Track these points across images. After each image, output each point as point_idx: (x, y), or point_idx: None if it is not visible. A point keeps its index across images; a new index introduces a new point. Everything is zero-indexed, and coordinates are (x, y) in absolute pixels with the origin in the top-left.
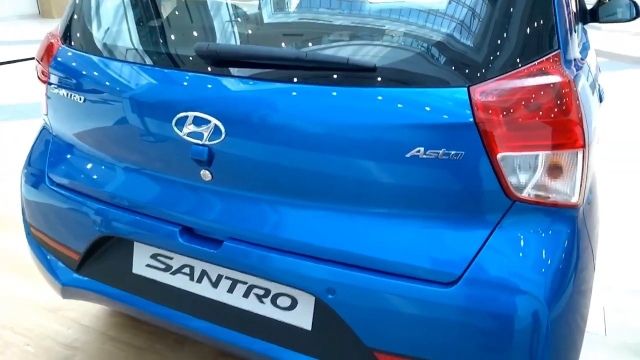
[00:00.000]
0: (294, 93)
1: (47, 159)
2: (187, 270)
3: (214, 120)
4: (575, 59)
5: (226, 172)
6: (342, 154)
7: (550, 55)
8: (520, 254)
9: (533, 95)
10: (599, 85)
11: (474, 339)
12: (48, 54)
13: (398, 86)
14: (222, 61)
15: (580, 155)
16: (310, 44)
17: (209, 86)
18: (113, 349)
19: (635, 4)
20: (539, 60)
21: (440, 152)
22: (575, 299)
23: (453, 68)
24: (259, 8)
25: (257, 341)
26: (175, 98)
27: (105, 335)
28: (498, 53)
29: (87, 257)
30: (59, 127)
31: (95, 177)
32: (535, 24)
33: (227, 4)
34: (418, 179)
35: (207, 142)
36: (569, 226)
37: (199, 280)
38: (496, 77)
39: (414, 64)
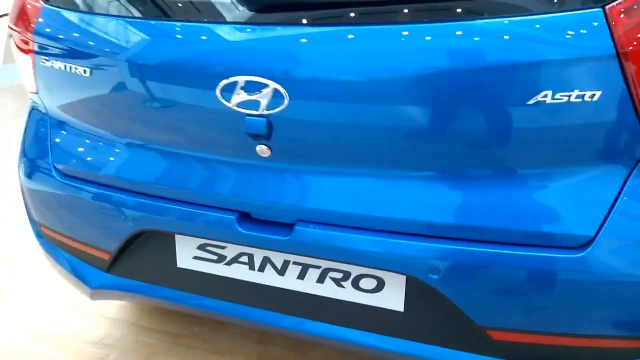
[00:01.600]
0: (373, 37)
1: (49, 147)
2: (244, 259)
3: (272, 84)
4: None
5: (290, 145)
6: (442, 107)
7: None
8: None
9: None
10: None
11: (611, 306)
12: (26, 17)
13: (509, 14)
14: (277, 6)
15: None
16: None
17: (262, 41)
18: (150, 340)
19: None
20: None
21: (573, 94)
22: None
23: None
24: None
25: (338, 328)
26: (217, 59)
27: (137, 326)
28: None
29: (120, 255)
30: (58, 107)
31: (118, 163)
32: None
33: None
34: (542, 130)
35: (264, 112)
36: None
37: (261, 269)
38: None
39: None
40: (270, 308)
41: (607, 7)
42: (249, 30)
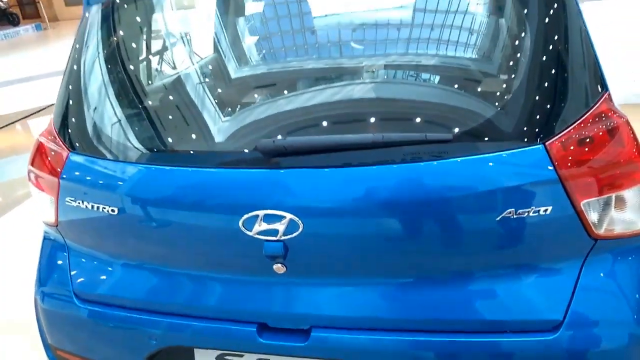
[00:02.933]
0: (370, 176)
1: (69, 275)
2: None
3: (288, 215)
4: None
5: (303, 262)
6: (429, 230)
7: (602, 98)
8: (613, 287)
9: (602, 141)
10: None
11: None
12: (50, 162)
13: (475, 153)
14: (290, 155)
15: None
16: (377, 122)
17: (279, 181)
18: None
19: None
20: (596, 106)
21: (530, 210)
22: None
23: (525, 127)
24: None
25: None
26: (239, 200)
27: None
28: (563, 105)
29: None
30: (80, 239)
31: (143, 288)
32: (587, 69)
33: (278, 89)
34: (510, 237)
35: (282, 237)
36: None
37: None
38: (566, 129)
39: (487, 128)
40: None
41: (546, 143)
42: (266, 173)
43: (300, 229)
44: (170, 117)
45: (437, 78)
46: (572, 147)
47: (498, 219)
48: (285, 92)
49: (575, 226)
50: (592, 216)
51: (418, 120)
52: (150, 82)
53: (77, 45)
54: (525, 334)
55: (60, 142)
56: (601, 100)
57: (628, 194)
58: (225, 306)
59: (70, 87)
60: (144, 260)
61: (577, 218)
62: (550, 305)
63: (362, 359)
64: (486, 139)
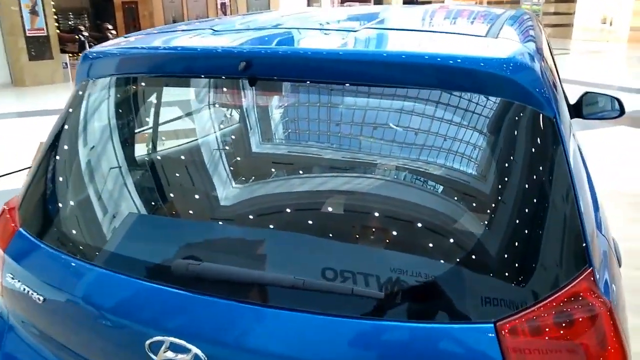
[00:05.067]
0: (292, 322)
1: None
2: None
3: (194, 349)
4: (607, 267)
5: None
6: None
7: (582, 275)
8: None
9: (572, 331)
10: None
11: None
12: (1, 230)
13: (409, 319)
14: (205, 282)
15: None
16: (310, 262)
17: (188, 308)
18: None
19: (618, 100)
20: (571, 284)
21: None
22: None
23: (475, 298)
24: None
25: None
26: (147, 317)
27: None
28: (526, 278)
29: None
30: (15, 316)
31: None
32: (566, 235)
33: (211, 205)
34: None
35: None
36: None
37: None
38: (526, 308)
39: (429, 293)
40: None
41: (498, 323)
42: (180, 294)
43: None
44: (99, 213)
45: (384, 234)
46: (529, 334)
47: None
48: (221, 213)
49: None
50: None
51: (352, 272)
52: (91, 178)
53: (62, 118)
54: None
55: (16, 216)
56: (580, 279)
57: None
58: None
59: (42, 159)
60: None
61: None
62: None
63: None
64: (427, 304)
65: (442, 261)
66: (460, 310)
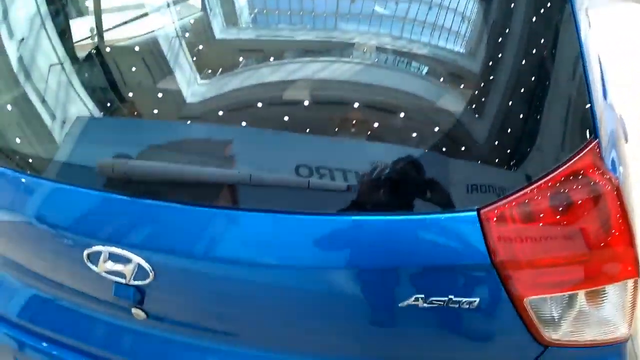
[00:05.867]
0: (254, 222)
1: None
2: None
3: (136, 259)
4: (612, 134)
5: (163, 313)
6: (309, 299)
7: (586, 149)
8: None
9: (572, 215)
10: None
11: None
12: None
13: (381, 212)
14: (136, 183)
15: (631, 285)
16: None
17: (125, 214)
18: None
19: None
20: (572, 160)
21: (446, 300)
22: None
23: (455, 182)
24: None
25: None
26: (81, 227)
27: None
28: (518, 155)
29: None
30: None
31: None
32: (564, 107)
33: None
34: (418, 332)
35: (131, 282)
36: None
37: None
38: (517, 192)
39: (402, 179)
40: None
41: (482, 210)
42: (115, 199)
43: (151, 278)
44: (35, 116)
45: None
46: (519, 221)
47: (402, 305)
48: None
49: (515, 327)
50: (543, 317)
51: (324, 166)
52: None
53: None
54: None
55: None
56: (583, 153)
57: (603, 292)
58: (90, 344)
59: None
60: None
61: (518, 318)
62: None
63: None
64: (399, 193)
65: (418, 144)
66: (440, 199)
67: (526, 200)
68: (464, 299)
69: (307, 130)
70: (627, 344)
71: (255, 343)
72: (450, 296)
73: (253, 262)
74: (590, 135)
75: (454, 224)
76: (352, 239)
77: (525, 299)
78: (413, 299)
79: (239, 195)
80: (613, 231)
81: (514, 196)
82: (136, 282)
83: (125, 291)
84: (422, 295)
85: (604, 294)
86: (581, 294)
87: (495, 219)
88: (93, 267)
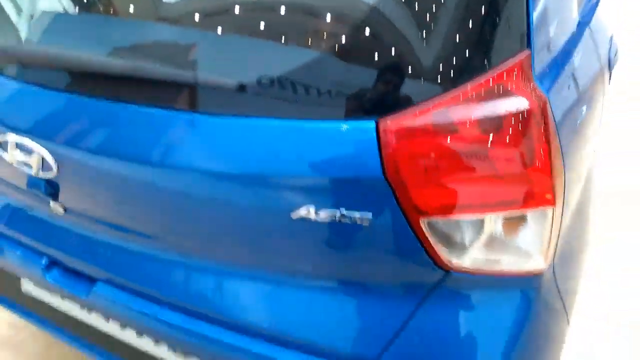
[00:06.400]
0: (135, 116)
1: None
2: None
3: (37, 149)
4: (561, 50)
5: (79, 209)
6: (201, 203)
7: (511, 60)
8: (453, 335)
9: (480, 131)
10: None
11: None
12: None
13: (273, 116)
14: (33, 68)
15: (549, 214)
16: (152, 49)
17: (32, 103)
18: None
19: None
20: (491, 71)
21: (337, 214)
22: None
23: (356, 89)
24: None
25: None
26: None
27: None
28: (427, 63)
29: None
30: None
31: None
32: (492, 10)
33: None
34: (312, 245)
35: (40, 174)
36: (525, 297)
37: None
38: (421, 103)
39: (300, 82)
40: (90, 341)
41: (382, 120)
42: (22, 89)
43: (55, 170)
44: None
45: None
46: (421, 134)
47: (292, 216)
48: None
49: (411, 248)
50: (444, 240)
51: (202, 60)
52: None
53: None
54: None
55: None
56: (507, 64)
57: (513, 219)
58: (22, 232)
59: None
60: None
61: (415, 238)
62: (364, 338)
63: (140, 328)
64: (294, 96)
65: (318, 45)
66: (340, 105)
67: (432, 113)
68: (356, 214)
69: (197, 26)
70: (543, 278)
71: (167, 247)
72: (342, 210)
73: (146, 161)
74: (520, 46)
75: (350, 134)
76: (243, 142)
77: (422, 220)
78: (304, 209)
79: (136, 90)
80: (531, 154)
81: (418, 107)
82: (45, 175)
83: (36, 183)
84: (313, 207)
85: (516, 221)
86: (489, 219)
87: (393, 130)
88: (4, 156)
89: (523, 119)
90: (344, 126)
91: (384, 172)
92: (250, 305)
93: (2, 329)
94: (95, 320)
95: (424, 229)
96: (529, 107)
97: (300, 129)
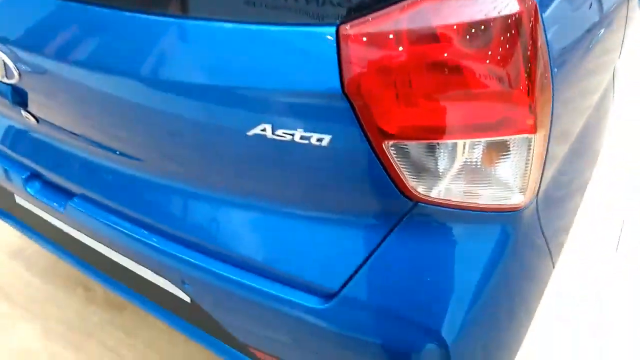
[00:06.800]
0: (88, 20)
1: None
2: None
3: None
4: None
5: (48, 118)
6: (157, 115)
7: None
8: (420, 270)
9: (456, 41)
10: None
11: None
12: None
13: (224, 18)
14: None
15: (531, 142)
16: None
17: None
18: None
19: None
20: None
21: (295, 133)
22: (498, 335)
23: None
24: None
25: (134, 293)
26: None
27: None
28: None
29: None
30: None
31: None
32: None
33: None
34: (270, 167)
35: (4, 80)
36: (503, 234)
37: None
38: (389, 5)
39: None
40: (81, 256)
41: (343, 26)
42: None
43: (17, 76)
44: None
45: None
46: (390, 44)
47: (249, 133)
48: None
49: (374, 175)
50: (411, 167)
51: None
52: None
53: None
54: (292, 290)
55: None
56: None
57: (489, 146)
58: (5, 145)
59: None
60: None
61: (379, 163)
62: (328, 268)
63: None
64: None
65: None
66: (300, 9)
67: (399, 17)
68: (314, 134)
69: None
70: (523, 215)
71: (135, 164)
72: (299, 129)
73: (98, 68)
74: None
75: (309, 41)
76: (191, 47)
77: (385, 142)
78: (260, 127)
79: None
80: (512, 70)
81: (385, 11)
82: (9, 81)
83: (4, 89)
84: (270, 125)
85: (494, 149)
86: (463, 145)
87: (355, 37)
88: None
89: (506, 26)
90: (302, 31)
91: (342, 87)
92: (214, 228)
93: (14, 240)
94: (76, 234)
95: (388, 153)
96: (515, 12)
97: (253, 33)
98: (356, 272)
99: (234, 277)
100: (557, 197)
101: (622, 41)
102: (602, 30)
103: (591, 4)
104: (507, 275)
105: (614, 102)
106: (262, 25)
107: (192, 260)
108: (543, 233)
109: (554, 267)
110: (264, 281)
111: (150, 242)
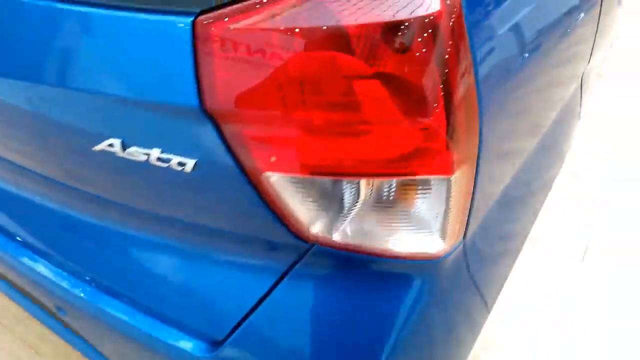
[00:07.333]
0: None
1: None
2: None
3: None
4: None
5: None
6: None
7: None
8: (315, 326)
9: (342, 49)
10: None
11: None
12: None
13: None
14: None
15: (450, 182)
16: None
17: None
18: None
19: None
20: None
21: (151, 153)
22: None
23: None
24: None
25: None
26: None
27: None
28: None
29: None
30: None
31: None
32: None
33: None
34: (129, 191)
35: None
36: (422, 286)
37: None
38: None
39: None
40: None
41: (200, 19)
42: None
43: None
44: None
45: None
46: (258, 45)
47: (95, 149)
48: None
49: (256, 211)
50: (298, 203)
51: None
52: None
53: None
54: (179, 332)
55: None
56: None
57: (386, 185)
58: None
59: None
60: None
61: (258, 198)
62: (214, 316)
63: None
64: None
65: None
66: None
67: (276, 13)
68: (175, 157)
69: None
70: (444, 264)
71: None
72: (156, 149)
73: None
74: None
75: (161, 35)
76: (21, 32)
77: (265, 174)
78: (107, 142)
79: None
80: (424, 94)
81: (254, 3)
82: None
83: None
84: (119, 140)
85: (404, 186)
86: (363, 183)
87: (218, 34)
88: None
89: (419, 31)
90: (153, 20)
91: (200, 99)
92: (89, 254)
93: None
94: None
95: (269, 186)
96: (432, 12)
97: (90, 18)
98: (243, 320)
99: (120, 312)
100: (492, 240)
101: (593, 46)
102: (561, 36)
103: (543, 3)
104: (426, 331)
105: (579, 119)
106: (104, 8)
107: (67, 288)
108: (474, 281)
109: (489, 312)
110: (143, 318)
111: (23, 262)
